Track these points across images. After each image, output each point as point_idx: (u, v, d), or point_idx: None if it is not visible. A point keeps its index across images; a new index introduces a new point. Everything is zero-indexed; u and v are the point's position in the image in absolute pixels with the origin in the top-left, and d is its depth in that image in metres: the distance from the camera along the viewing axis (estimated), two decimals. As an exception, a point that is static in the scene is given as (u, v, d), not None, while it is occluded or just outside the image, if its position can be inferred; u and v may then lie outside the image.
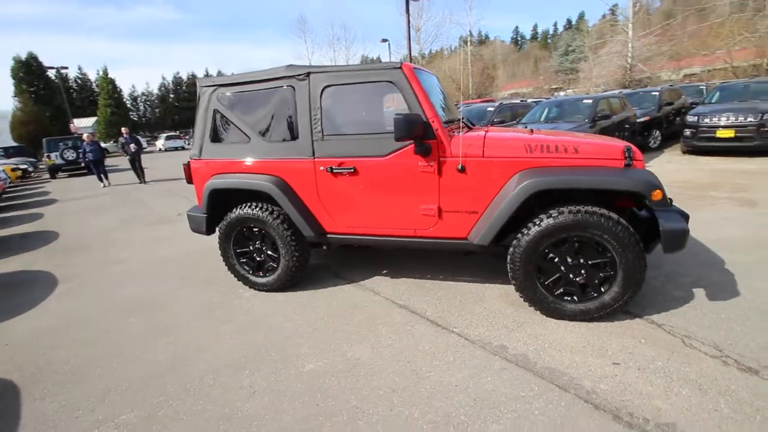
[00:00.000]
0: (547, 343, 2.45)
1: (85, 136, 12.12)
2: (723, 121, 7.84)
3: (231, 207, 3.40)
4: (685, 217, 2.63)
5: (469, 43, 34.41)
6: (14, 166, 16.19)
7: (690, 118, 8.42)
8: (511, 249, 2.67)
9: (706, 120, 8.07)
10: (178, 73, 59.96)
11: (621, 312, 2.63)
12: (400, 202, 2.92)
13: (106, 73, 41.59)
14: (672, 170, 7.31)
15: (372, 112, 3.15)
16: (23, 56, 36.24)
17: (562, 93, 30.77)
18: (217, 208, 3.49)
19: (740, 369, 2.09)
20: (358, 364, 2.37)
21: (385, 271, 3.74)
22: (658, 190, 2.38)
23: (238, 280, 3.54)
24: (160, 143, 32.87)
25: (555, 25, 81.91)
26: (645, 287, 2.83)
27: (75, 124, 29.40)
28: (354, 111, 3.08)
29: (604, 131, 7.24)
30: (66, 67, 32.63)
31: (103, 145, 12.79)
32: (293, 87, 3.05)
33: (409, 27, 16.05)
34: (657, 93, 10.31)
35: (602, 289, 2.58)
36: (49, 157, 16.24)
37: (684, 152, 8.87)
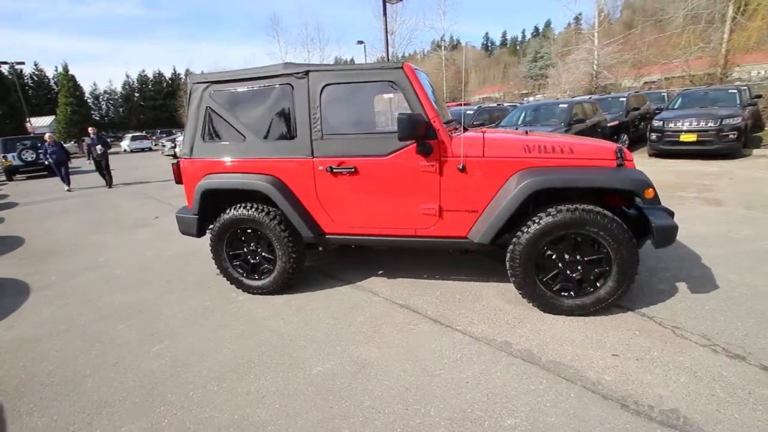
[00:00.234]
0: (548, 338, 2.52)
1: (47, 136, 11.43)
2: (686, 126, 8.35)
3: (222, 208, 3.31)
4: (671, 214, 2.78)
5: (443, 47, 34.91)
6: (-36, 168, 15.09)
7: (656, 123, 8.91)
8: (510, 247, 2.74)
9: (671, 125, 8.57)
10: (143, 71, 57.52)
11: (614, 306, 2.74)
12: (401, 202, 2.94)
13: (66, 69, 39.39)
14: (642, 172, 7.69)
15: (373, 111, 3.15)
16: (-29, 51, 33.84)
17: (532, 98, 31.81)
18: (208, 210, 3.38)
19: (729, 356, 2.23)
20: (366, 365, 2.36)
21: (380, 272, 3.74)
22: (650, 189, 2.51)
23: (231, 283, 3.44)
24: (125, 144, 31.43)
25: (523, 32, 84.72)
26: (633, 282, 2.97)
27: (32, 124, 27.70)
28: (355, 110, 3.07)
29: (578, 134, 7.54)
30: (22, 63, 30.80)
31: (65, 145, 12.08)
32: (291, 85, 3.00)
33: (386, 29, 16.13)
34: (624, 99, 10.85)
35: (597, 284, 2.68)
36: (5, 158, 15.18)
37: (650, 155, 9.36)
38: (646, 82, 25.91)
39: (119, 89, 56.87)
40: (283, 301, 3.27)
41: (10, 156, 15.09)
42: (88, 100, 47.82)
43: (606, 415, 1.87)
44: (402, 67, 2.79)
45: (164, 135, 32.64)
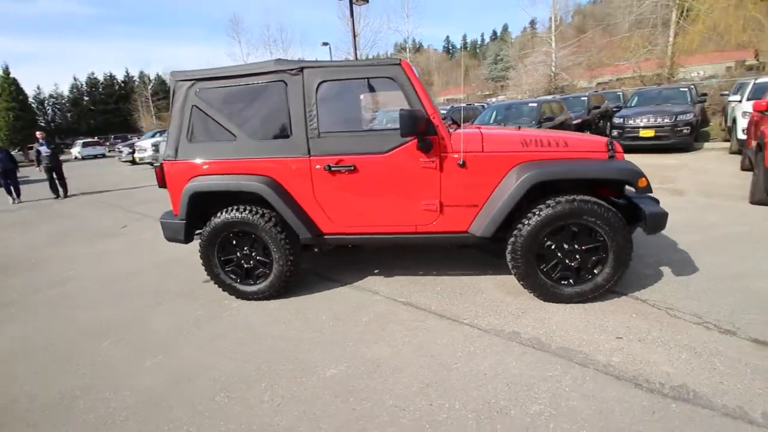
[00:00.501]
0: (553, 325, 2.59)
1: (-11, 143, 10.46)
2: (644, 123, 8.90)
3: (211, 212, 3.16)
4: (657, 201, 2.94)
5: (407, 50, 35.27)
6: None
7: (617, 120, 9.44)
8: (512, 239, 2.79)
9: (631, 122, 9.10)
10: (93, 73, 54.02)
11: (610, 292, 2.86)
12: (402, 199, 2.92)
13: (7, 72, 36.22)
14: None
15: (370, 108, 3.12)
16: None
17: (493, 99, 32.78)
18: (196, 214, 3.22)
19: (720, 332, 2.39)
20: (381, 364, 2.32)
21: (376, 271, 3.70)
22: (642, 178, 2.64)
23: (224, 290, 3.28)
24: (76, 150, 29.44)
25: (482, 36, 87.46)
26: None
27: (-34, 131, 25.32)
28: (352, 107, 3.02)
29: (549, 132, 7.86)
30: (-46, 64, 28.09)
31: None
32: (285, 82, 2.91)
33: (354, 30, 16.12)
34: (586, 98, 11.43)
35: (595, 272, 2.79)
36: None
37: (613, 150, 9.88)
38: (599, 83, 27.47)
39: (66, 93, 53.21)
40: (281, 306, 3.16)
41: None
42: (33, 105, 44.37)
43: (623, 395, 1.94)
44: (400, 63, 2.78)
45: (119, 140, 30.93)
